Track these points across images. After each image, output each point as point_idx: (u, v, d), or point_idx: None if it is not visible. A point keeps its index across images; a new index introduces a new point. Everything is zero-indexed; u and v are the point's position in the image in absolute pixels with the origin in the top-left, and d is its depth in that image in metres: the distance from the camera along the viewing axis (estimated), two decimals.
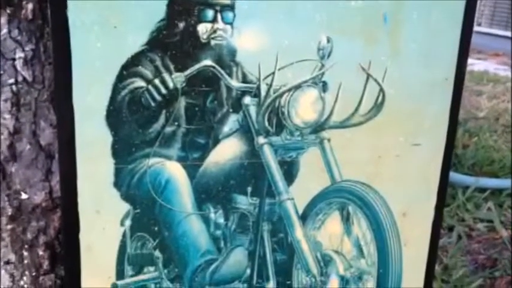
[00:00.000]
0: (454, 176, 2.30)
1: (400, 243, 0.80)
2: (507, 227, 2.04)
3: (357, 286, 0.81)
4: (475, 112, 3.82)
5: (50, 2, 0.61)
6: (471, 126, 3.30)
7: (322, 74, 0.68)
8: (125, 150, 0.66)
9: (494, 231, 2.01)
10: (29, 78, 0.68)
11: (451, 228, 2.00)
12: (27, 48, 0.68)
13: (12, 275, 0.75)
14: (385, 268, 0.80)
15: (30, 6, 0.67)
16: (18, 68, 0.68)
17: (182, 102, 0.66)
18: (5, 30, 0.67)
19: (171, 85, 0.65)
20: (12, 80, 0.68)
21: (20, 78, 0.68)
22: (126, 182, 0.68)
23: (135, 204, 0.69)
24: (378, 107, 0.72)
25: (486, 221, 2.07)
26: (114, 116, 0.65)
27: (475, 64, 6.06)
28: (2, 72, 0.67)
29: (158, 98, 0.65)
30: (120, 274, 0.71)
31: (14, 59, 0.68)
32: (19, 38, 0.67)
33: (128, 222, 0.69)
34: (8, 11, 0.66)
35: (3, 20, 0.66)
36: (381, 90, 0.71)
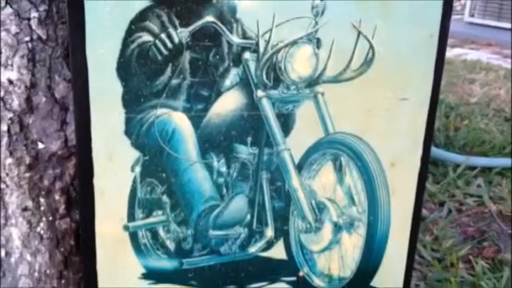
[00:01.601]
0: (446, 154, 2.36)
1: (388, 192, 0.86)
2: (496, 201, 2.11)
3: (348, 232, 0.87)
4: (467, 98, 3.89)
5: None
6: (463, 111, 3.36)
7: (316, 31, 0.74)
8: (134, 100, 0.72)
9: (483, 206, 2.08)
10: (44, 37, 0.74)
11: (442, 204, 2.07)
12: (41, 9, 0.73)
13: (29, 222, 0.81)
14: (375, 215, 0.86)
15: None
16: (33, 26, 0.73)
17: (187, 57, 0.72)
18: None
19: (176, 40, 0.70)
20: (28, 38, 0.73)
21: (35, 36, 0.74)
22: (135, 131, 0.73)
23: (144, 151, 0.75)
24: (368, 63, 0.78)
25: (476, 196, 2.14)
26: (124, 68, 0.70)
27: (468, 54, 6.12)
28: (18, 30, 0.73)
29: (164, 52, 0.71)
30: (131, 217, 0.77)
31: (29, 19, 0.73)
32: None
33: (137, 169, 0.75)
34: None
35: None
36: (371, 47, 0.77)
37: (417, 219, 0.90)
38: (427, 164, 0.87)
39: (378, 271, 0.91)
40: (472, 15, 7.63)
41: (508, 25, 7.09)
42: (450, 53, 5.94)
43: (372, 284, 0.92)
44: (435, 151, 2.35)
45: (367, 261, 0.89)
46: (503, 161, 2.41)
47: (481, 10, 7.65)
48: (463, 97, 3.85)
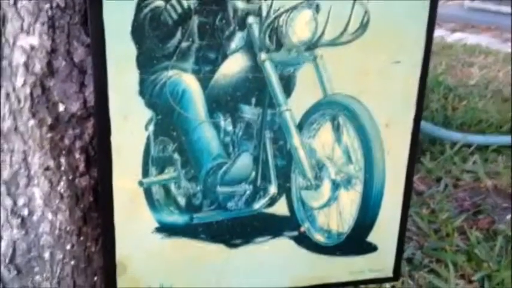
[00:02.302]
0: (443, 132, 2.42)
1: (383, 151, 0.92)
2: (491, 177, 2.17)
3: (346, 189, 0.94)
4: (466, 80, 3.93)
5: None
6: (461, 92, 3.41)
7: None
8: (147, 62, 0.78)
9: (479, 181, 2.14)
10: (62, 4, 0.79)
11: (438, 180, 2.13)
12: None
13: (50, 181, 0.87)
14: (371, 173, 0.93)
15: None
16: None
17: (195, 21, 0.78)
18: None
19: (185, 5, 0.76)
20: (47, 6, 0.79)
21: (54, 4, 0.79)
22: (149, 91, 0.79)
23: (157, 111, 0.81)
24: (363, 27, 0.84)
25: (472, 172, 2.20)
26: (138, 32, 0.76)
27: (468, 38, 6.14)
28: None
29: (174, 16, 0.76)
30: (145, 173, 0.83)
31: None
32: None
33: (151, 127, 0.81)
34: None
35: None
36: (366, 12, 0.83)
37: (410, 177, 0.96)
38: (419, 124, 0.93)
39: (374, 227, 0.97)
40: (472, 0, 7.63)
41: (508, 9, 7.09)
42: (450, 37, 5.98)
43: (368, 239, 0.98)
44: (433, 129, 2.41)
45: (363, 217, 0.95)
46: (499, 139, 2.47)
47: None
48: (462, 79, 3.89)
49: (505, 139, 2.47)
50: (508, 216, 1.89)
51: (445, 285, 1.46)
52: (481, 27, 6.81)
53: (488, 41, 6.03)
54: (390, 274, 1.01)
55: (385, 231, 0.98)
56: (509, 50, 5.20)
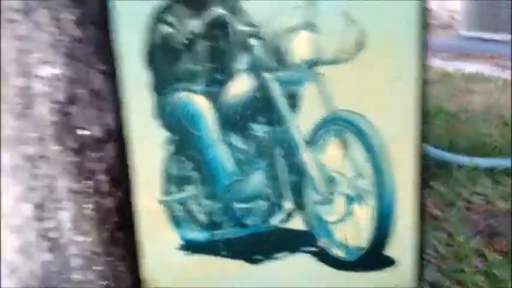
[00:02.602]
0: (449, 155, 2.45)
1: (390, 163, 0.95)
2: (502, 198, 2.17)
3: (359, 203, 0.96)
4: (467, 106, 3.98)
5: None
6: (464, 117, 3.45)
7: (313, 18, 0.85)
8: (159, 85, 0.83)
9: (491, 204, 2.15)
10: (79, 37, 0.85)
11: (451, 203, 2.14)
12: (76, 14, 0.85)
13: (77, 204, 0.91)
14: (381, 186, 0.95)
15: None
16: (69, 28, 0.85)
17: (202, 45, 0.83)
18: None
19: (192, 30, 0.82)
20: (67, 39, 0.85)
21: (72, 37, 0.85)
22: (163, 113, 0.84)
23: (173, 131, 0.85)
24: (360, 45, 0.89)
25: (482, 194, 2.21)
26: (150, 57, 0.82)
27: (466, 66, 6.22)
28: (57, 31, 0.85)
29: (183, 41, 0.82)
30: (165, 192, 0.87)
31: (66, 23, 0.85)
32: (68, 3, 0.84)
33: (168, 147, 0.86)
34: None
35: None
36: (362, 31, 0.88)
37: (421, 188, 0.99)
38: (422, 136, 0.97)
39: (390, 240, 0.99)
40: (467, 29, 7.77)
41: (503, 37, 7.21)
42: (448, 66, 6.06)
43: (386, 253, 1.00)
44: (438, 153, 2.44)
45: (379, 230, 0.97)
46: (506, 161, 2.49)
47: (476, 23, 7.79)
48: (463, 105, 3.95)
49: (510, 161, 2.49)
50: None
51: None
52: (477, 55, 6.91)
53: (485, 69, 6.11)
54: (411, 286, 1.02)
55: (401, 244, 0.99)
56: (508, 77, 5.26)
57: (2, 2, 0.80)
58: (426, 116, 0.97)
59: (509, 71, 5.59)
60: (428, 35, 0.92)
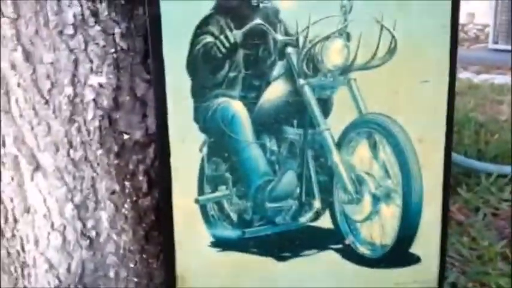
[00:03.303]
0: (477, 164, 2.45)
1: (418, 165, 0.99)
2: None
3: (386, 203, 1.00)
4: (496, 116, 3.95)
5: None
6: (493, 127, 3.43)
7: (346, 26, 0.90)
8: (200, 91, 0.89)
9: None
10: (125, 47, 0.92)
11: (477, 210, 2.14)
12: (122, 26, 0.92)
13: (115, 204, 0.97)
14: (409, 187, 0.99)
15: None
16: (117, 40, 0.92)
17: (241, 53, 0.89)
18: (105, 13, 0.91)
19: (232, 40, 0.87)
20: (113, 50, 0.91)
21: (118, 48, 0.92)
22: (202, 117, 0.90)
23: (209, 134, 0.91)
24: (391, 51, 0.93)
25: (510, 201, 2.20)
26: (192, 65, 0.87)
27: (495, 78, 6.17)
28: (105, 44, 0.91)
29: (223, 50, 0.87)
30: (200, 191, 0.92)
31: (113, 34, 0.91)
32: (116, 18, 0.91)
33: (205, 149, 0.91)
34: None
35: (104, 5, 0.90)
36: (393, 37, 0.92)
37: (447, 190, 1.02)
38: (451, 139, 1.00)
39: (416, 239, 1.02)
40: (495, 42, 7.72)
41: None
42: (477, 78, 6.03)
43: (411, 251, 1.03)
44: (467, 161, 2.44)
45: (404, 229, 1.01)
46: None
47: (504, 36, 7.73)
48: (492, 116, 3.92)
49: None
50: None
51: None
52: (507, 68, 6.83)
53: None
54: (435, 285, 1.05)
55: (427, 243, 1.03)
56: None
57: (57, 16, 0.87)
58: (453, 120, 1.00)
59: None
60: (457, 41, 0.96)
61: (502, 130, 3.30)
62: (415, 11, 0.93)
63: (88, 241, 0.98)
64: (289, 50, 0.90)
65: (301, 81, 0.92)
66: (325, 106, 0.94)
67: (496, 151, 2.80)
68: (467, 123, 3.39)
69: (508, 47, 7.58)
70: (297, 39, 0.90)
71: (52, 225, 0.98)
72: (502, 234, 1.97)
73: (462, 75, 6.06)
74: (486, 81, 5.73)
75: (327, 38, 0.90)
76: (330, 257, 1.00)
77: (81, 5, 0.88)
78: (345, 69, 0.92)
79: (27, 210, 0.99)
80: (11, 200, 0.99)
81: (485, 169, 2.41)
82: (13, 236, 1.02)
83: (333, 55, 0.91)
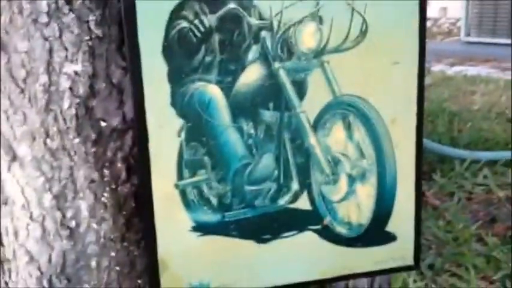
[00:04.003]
0: (451, 150, 2.51)
1: (392, 145, 1.01)
2: (503, 188, 2.23)
3: (361, 182, 1.02)
4: (469, 106, 4.04)
5: None
6: (466, 116, 3.52)
7: (318, 10, 0.92)
8: (177, 76, 0.89)
9: (491, 193, 2.20)
10: (100, 35, 0.92)
11: (452, 194, 2.20)
12: (96, 13, 0.92)
13: (95, 193, 0.97)
14: (383, 166, 1.02)
15: None
16: (92, 27, 0.92)
17: (216, 38, 0.90)
18: (80, 1, 0.91)
19: (207, 24, 0.88)
20: (87, 37, 0.92)
21: (93, 36, 0.92)
22: (179, 102, 0.90)
23: (187, 119, 0.91)
24: (362, 34, 0.95)
25: (483, 185, 2.27)
26: (167, 50, 0.88)
27: (468, 70, 6.30)
28: (80, 32, 0.91)
29: (198, 35, 0.88)
30: (180, 176, 0.93)
31: (87, 21, 0.91)
32: (90, 5, 0.91)
33: (183, 134, 0.92)
34: None
35: None
36: (364, 20, 0.94)
37: (419, 168, 1.05)
38: (422, 119, 1.03)
39: (391, 217, 1.05)
40: (468, 35, 7.88)
41: (503, 40, 7.30)
42: (450, 70, 6.14)
43: (387, 229, 1.06)
44: (441, 148, 2.50)
45: (380, 208, 1.04)
46: (507, 153, 2.55)
47: (476, 29, 7.89)
48: (465, 106, 4.01)
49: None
50: None
51: (467, 286, 1.51)
52: (479, 59, 6.99)
53: (487, 71, 6.18)
54: (411, 262, 1.08)
55: (402, 221, 1.06)
56: (509, 78, 5.32)
57: (31, 4, 0.87)
58: (423, 101, 1.02)
59: (509, 72, 5.65)
60: (426, 24, 0.98)
61: (475, 119, 3.39)
62: None
63: (68, 231, 0.98)
64: (264, 34, 0.91)
65: (276, 64, 0.93)
66: (300, 89, 0.96)
67: (469, 138, 2.87)
68: (441, 113, 3.46)
69: (480, 39, 7.74)
70: (271, 23, 0.91)
71: (31, 216, 0.98)
72: (476, 217, 2.02)
73: (436, 67, 6.18)
74: (459, 73, 5.84)
75: (300, 21, 0.92)
76: (309, 238, 1.02)
77: None
78: (318, 52, 0.94)
79: (5, 202, 0.99)
80: None
81: (458, 155, 2.47)
82: None
83: (306, 38, 0.93)
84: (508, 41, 6.81)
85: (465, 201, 2.15)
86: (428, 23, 9.09)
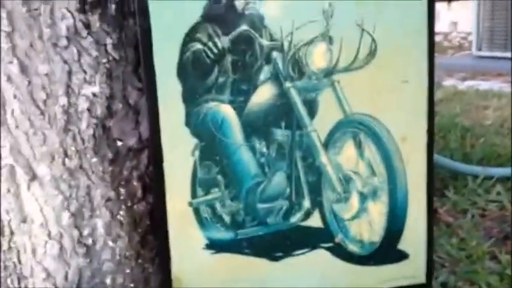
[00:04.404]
0: (463, 166, 2.50)
1: (403, 163, 1.03)
2: None
3: (373, 200, 1.03)
4: (481, 121, 4.02)
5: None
6: (478, 131, 3.50)
7: (328, 30, 0.94)
8: (191, 96, 0.92)
9: (505, 209, 2.19)
10: (117, 57, 0.95)
11: (465, 211, 2.18)
12: (114, 37, 0.95)
13: (111, 211, 0.99)
14: (394, 184, 1.03)
15: (113, 6, 0.94)
16: (109, 50, 0.95)
17: (229, 59, 0.92)
18: (97, 25, 0.94)
19: (220, 46, 0.91)
20: (105, 60, 0.95)
21: (110, 58, 0.95)
22: (193, 122, 0.93)
23: (201, 138, 0.94)
24: (372, 53, 0.97)
25: (497, 202, 2.25)
26: (182, 71, 0.91)
27: (480, 84, 6.28)
28: (98, 54, 0.94)
29: (212, 56, 0.91)
30: (193, 194, 0.95)
31: (105, 45, 0.95)
32: (107, 29, 0.95)
33: (197, 153, 0.94)
34: (99, 11, 0.94)
35: (96, 17, 0.94)
36: (373, 40, 0.96)
37: (431, 185, 1.06)
38: (433, 136, 1.04)
39: (403, 235, 1.06)
40: (479, 49, 7.87)
41: None
42: (462, 85, 6.13)
43: (399, 247, 1.07)
44: (453, 164, 2.49)
45: (392, 226, 1.04)
46: None
47: (488, 43, 7.88)
48: (478, 120, 3.99)
49: None
50: None
51: None
52: (491, 74, 6.96)
53: (499, 86, 6.15)
54: (423, 280, 1.08)
55: (414, 239, 1.07)
56: None
57: (51, 29, 0.90)
58: (434, 118, 1.04)
59: None
60: (434, 42, 1.00)
61: (488, 134, 3.37)
62: (394, 15, 0.97)
63: (85, 249, 1.00)
64: (275, 54, 0.94)
65: (287, 84, 0.95)
66: (311, 108, 0.97)
67: (482, 154, 2.85)
68: (453, 128, 3.45)
69: (491, 54, 7.72)
70: (282, 44, 0.93)
71: (49, 234, 1.00)
72: (489, 234, 2.01)
73: (448, 82, 6.17)
74: (471, 88, 5.83)
75: (311, 42, 0.94)
76: (321, 256, 1.03)
77: (73, 18, 0.91)
78: (329, 72, 0.96)
79: (24, 220, 1.01)
80: (7, 213, 1.01)
81: (471, 172, 2.46)
82: (9, 248, 1.04)
83: (317, 58, 0.95)
84: None
85: (478, 218, 2.13)
86: (439, 38, 9.11)
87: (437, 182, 2.46)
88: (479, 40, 8.09)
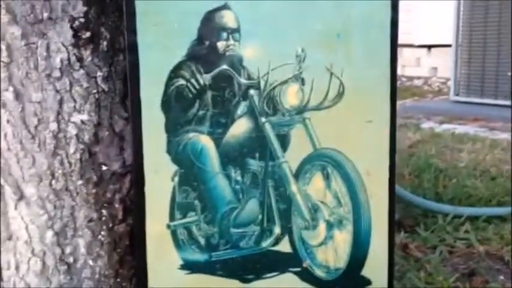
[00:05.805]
0: (434, 204, 2.60)
1: (367, 195, 1.11)
2: (483, 243, 2.31)
3: (339, 229, 1.11)
4: (455, 163, 4.15)
5: (127, 35, 0.97)
6: (451, 172, 3.62)
7: (300, 73, 1.04)
8: (173, 127, 1.00)
9: (472, 247, 2.28)
10: (106, 89, 1.04)
11: (434, 247, 2.27)
12: (104, 70, 1.04)
13: (93, 231, 1.05)
14: (358, 214, 1.11)
15: (105, 43, 1.03)
16: (99, 82, 1.03)
17: (209, 94, 1.01)
18: (89, 59, 1.03)
19: (202, 83, 1.00)
20: (95, 91, 1.03)
21: (99, 89, 1.03)
22: (174, 150, 1.01)
23: (180, 165, 1.02)
24: (340, 95, 1.07)
25: (465, 239, 2.34)
26: (166, 104, 0.99)
27: (456, 128, 6.47)
28: (88, 85, 1.03)
29: (194, 91, 1.00)
30: (171, 217, 1.02)
31: (96, 77, 1.03)
32: (99, 63, 1.03)
33: (176, 179, 1.02)
34: (91, 46, 1.03)
35: (88, 52, 1.02)
36: (341, 83, 1.07)
37: (392, 217, 1.15)
38: (394, 172, 1.13)
39: (366, 262, 1.14)
40: (457, 94, 8.12)
41: (490, 101, 7.51)
42: (439, 128, 6.31)
43: (362, 273, 1.14)
44: (425, 202, 2.59)
45: (356, 253, 1.12)
46: (489, 210, 2.64)
47: (465, 89, 8.15)
48: (452, 162, 4.12)
49: (494, 210, 2.64)
50: (501, 277, 2.02)
51: None
52: (467, 118, 7.18)
53: (475, 130, 6.34)
54: None
55: (376, 266, 1.15)
56: (496, 137, 5.47)
57: (46, 61, 0.99)
58: (395, 155, 1.13)
59: (497, 132, 5.80)
60: (396, 87, 1.11)
61: (460, 175, 3.49)
62: (360, 61, 1.08)
63: (66, 266, 1.06)
64: (252, 92, 1.03)
65: (263, 119, 1.04)
66: (284, 141, 1.06)
67: (453, 194, 2.96)
68: (428, 168, 3.57)
69: (468, 99, 7.97)
70: (259, 83, 1.03)
71: (33, 251, 1.06)
72: (456, 270, 2.09)
73: (426, 124, 6.35)
74: (448, 131, 6.01)
75: (285, 82, 1.04)
76: (290, 280, 1.10)
77: (67, 52, 1.00)
78: (300, 110, 1.06)
79: (9, 238, 1.07)
80: None
81: (442, 210, 2.56)
82: None
83: (290, 97, 1.05)
84: (494, 102, 7.03)
85: (447, 254, 2.22)
86: (419, 82, 9.38)
87: (408, 219, 2.55)
88: (456, 86, 8.35)
